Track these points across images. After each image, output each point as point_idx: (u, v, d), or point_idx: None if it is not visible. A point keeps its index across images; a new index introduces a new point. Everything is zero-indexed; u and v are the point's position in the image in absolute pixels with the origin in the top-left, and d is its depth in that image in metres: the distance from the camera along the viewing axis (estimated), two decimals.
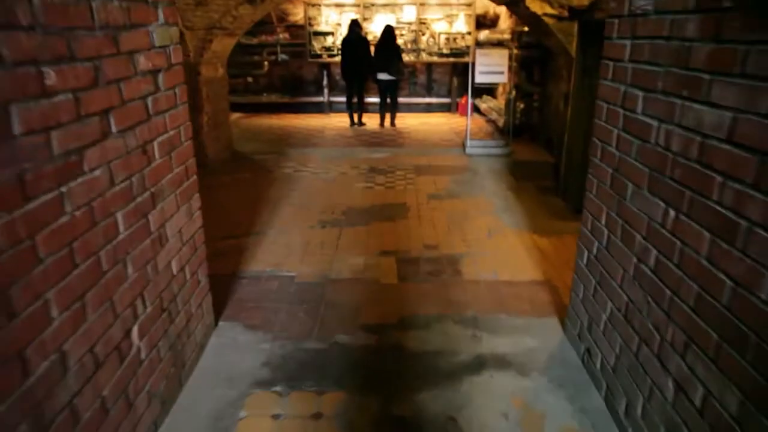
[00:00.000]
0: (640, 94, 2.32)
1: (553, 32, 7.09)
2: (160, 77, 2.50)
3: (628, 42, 2.43)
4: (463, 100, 11.88)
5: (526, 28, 8.39)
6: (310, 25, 11.70)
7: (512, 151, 8.16)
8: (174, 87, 2.65)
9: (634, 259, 2.38)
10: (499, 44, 9.16)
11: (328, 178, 6.88)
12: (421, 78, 12.69)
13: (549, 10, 6.85)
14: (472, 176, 6.99)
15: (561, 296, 3.82)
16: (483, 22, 11.98)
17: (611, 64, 2.63)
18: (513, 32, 8.42)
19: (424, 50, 11.67)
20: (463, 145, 8.46)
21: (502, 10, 11.15)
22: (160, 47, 2.49)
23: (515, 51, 8.04)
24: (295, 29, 12.30)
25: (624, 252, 2.48)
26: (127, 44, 2.18)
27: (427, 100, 12.49)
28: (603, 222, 2.72)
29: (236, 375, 2.89)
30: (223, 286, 3.89)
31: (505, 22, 10.97)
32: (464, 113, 11.68)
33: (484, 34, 10.74)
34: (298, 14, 12.10)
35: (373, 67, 10.16)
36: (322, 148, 8.66)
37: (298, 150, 8.54)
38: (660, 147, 2.15)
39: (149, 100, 2.39)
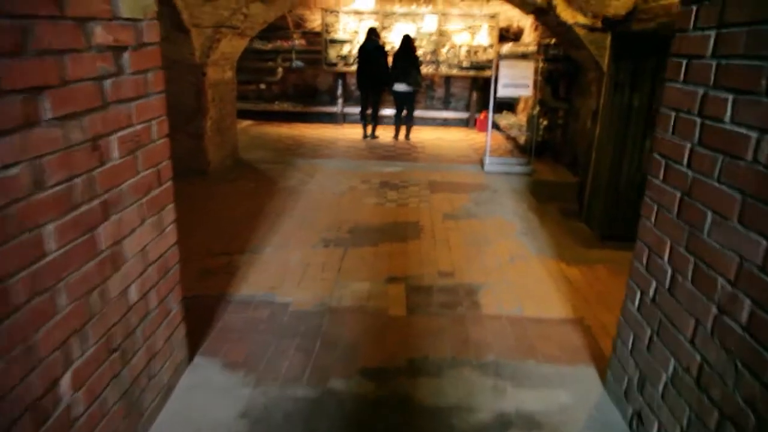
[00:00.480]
0: (730, 97, 1.79)
1: (583, 44, 6.59)
2: (125, 57, 2.02)
3: (712, 32, 1.91)
4: (482, 116, 11.40)
5: (553, 40, 7.90)
6: (327, 32, 11.31)
7: (534, 170, 7.63)
8: (145, 71, 2.17)
9: (714, 310, 1.84)
10: (523, 57, 8.67)
11: (335, 192, 6.38)
12: (439, 91, 12.22)
13: (581, 19, 6.36)
14: (490, 195, 6.46)
15: (596, 339, 3.27)
16: (506, 35, 11.52)
17: (684, 62, 2.11)
18: (539, 44, 7.95)
19: (443, 62, 11.22)
20: (482, 162, 7.95)
21: (527, 24, 10.69)
22: (127, 20, 2.01)
23: (541, 64, 7.55)
24: (311, 36, 11.92)
25: (698, 299, 1.94)
26: (76, 7, 1.70)
27: (444, 114, 12.01)
28: (665, 258, 2.19)
29: (206, 428, 2.37)
30: (206, 311, 3.39)
31: (530, 35, 10.50)
32: (482, 129, 11.20)
33: (507, 47, 10.27)
34: (315, 21, 11.73)
35: (390, 77, 9.71)
36: (332, 160, 8.19)
37: (307, 161, 8.07)
38: (761, 166, 1.62)
39: (107, 83, 1.90)
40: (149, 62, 2.18)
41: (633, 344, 2.45)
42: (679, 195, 2.10)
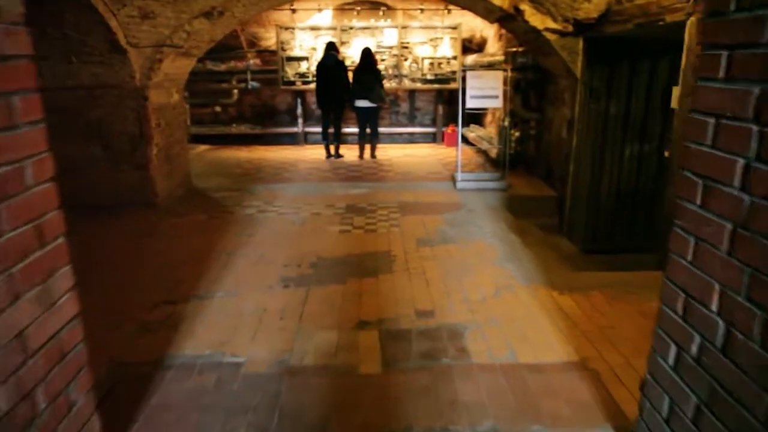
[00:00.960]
0: None
1: (554, 50, 6.20)
2: None
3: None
4: (449, 130, 10.99)
5: (520, 48, 7.52)
6: (283, 49, 10.78)
7: (509, 184, 7.19)
8: (8, 95, 1.59)
9: None
10: (490, 67, 8.29)
11: (297, 220, 5.81)
12: (404, 106, 11.79)
13: (551, 24, 5.97)
14: (466, 215, 5.97)
15: (607, 388, 2.76)
16: (469, 46, 11.18)
17: (724, 54, 1.63)
18: (506, 53, 7.57)
19: (406, 76, 10.79)
20: (453, 179, 7.48)
21: (490, 33, 10.36)
22: None
23: (509, 73, 7.16)
24: (267, 54, 11.39)
25: None
26: None
27: (411, 129, 11.56)
28: (714, 308, 1.69)
29: None
30: (138, 385, 2.77)
31: (494, 45, 10.16)
32: (450, 144, 10.79)
33: (471, 59, 9.90)
34: (270, 38, 11.20)
35: (352, 93, 9.22)
36: (294, 184, 7.61)
37: (266, 186, 7.48)
38: None
39: None
40: (12, 82, 1.60)
41: (670, 412, 1.94)
42: (730, 227, 1.61)
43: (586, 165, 6.49)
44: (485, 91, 7.00)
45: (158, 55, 6.05)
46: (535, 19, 5.93)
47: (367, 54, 9.16)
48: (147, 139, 6.30)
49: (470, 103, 7.02)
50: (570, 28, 5.95)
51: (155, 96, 6.41)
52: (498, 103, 7.08)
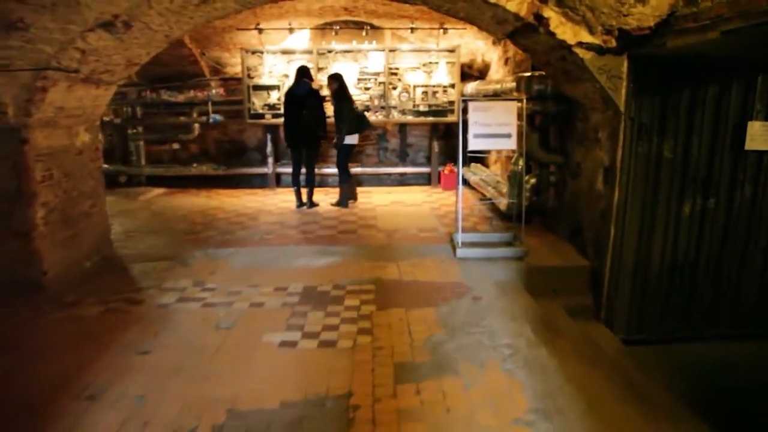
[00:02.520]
0: None
1: (587, 74, 4.50)
2: None
3: None
4: (446, 170, 9.25)
5: (536, 73, 5.82)
6: (250, 77, 9.11)
7: (526, 250, 5.42)
8: None
9: None
10: (497, 97, 6.58)
11: (225, 321, 4.00)
12: (393, 142, 10.08)
13: (586, 37, 4.27)
14: (470, 308, 4.18)
15: None
16: (469, 72, 9.53)
17: None
18: (518, 79, 5.88)
19: (395, 107, 9.10)
20: (452, 242, 5.71)
21: (494, 57, 8.70)
22: None
23: (524, 105, 5.44)
24: (233, 83, 9.74)
25: None
26: None
27: (401, 169, 9.82)
28: None
29: None
30: None
31: (498, 71, 8.50)
32: (448, 186, 9.06)
33: (472, 86, 8.22)
34: (236, 65, 9.55)
35: (346, 127, 7.54)
36: (244, 250, 5.82)
37: (208, 253, 5.69)
38: None
39: None
40: None
41: None
42: None
43: (632, 227, 4.80)
44: (493, 128, 5.28)
45: (40, 81, 4.33)
46: (563, 30, 4.23)
47: (339, 79, 7.57)
48: (28, 198, 4.55)
49: (474, 144, 5.30)
50: (612, 43, 4.25)
51: (43, 137, 4.68)
52: (511, 144, 5.35)
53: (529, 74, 5.87)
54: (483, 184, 7.87)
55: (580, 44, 4.31)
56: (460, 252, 5.39)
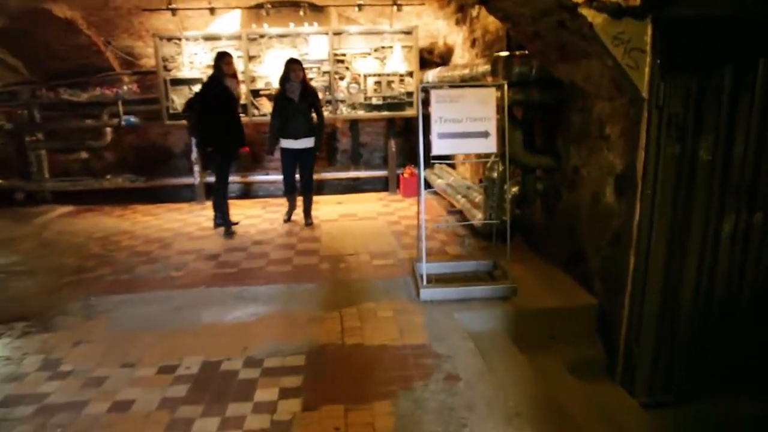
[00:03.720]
0: None
1: (594, 46, 3.18)
2: None
3: None
4: (406, 173, 7.87)
5: (518, 52, 4.47)
6: (166, 69, 7.55)
7: (513, 288, 4.06)
8: None
9: None
10: (465, 84, 5.19)
11: None
12: (344, 142, 8.65)
13: None
14: (444, 399, 2.79)
15: None
16: (429, 58, 8.15)
17: None
18: (495, 60, 4.50)
19: (343, 101, 7.66)
20: (414, 276, 4.33)
21: (458, 40, 7.35)
22: None
23: (506, 91, 4.08)
24: (150, 78, 8.13)
25: None
26: None
27: (353, 173, 8.39)
28: None
29: None
30: None
31: (464, 56, 7.16)
32: (408, 193, 7.70)
33: (434, 74, 6.84)
34: (152, 56, 7.94)
35: (271, 129, 6.09)
36: (138, 297, 4.32)
37: (89, 304, 4.19)
38: None
39: None
40: None
41: None
42: None
43: (658, 255, 3.49)
44: (464, 124, 3.91)
45: None
46: None
47: (295, 64, 6.06)
48: None
49: (439, 148, 3.92)
50: (636, 1, 2.92)
51: None
52: (489, 146, 3.98)
53: (507, 53, 4.52)
54: (451, 192, 6.52)
55: (588, 2, 2.96)
56: (425, 293, 4.00)
